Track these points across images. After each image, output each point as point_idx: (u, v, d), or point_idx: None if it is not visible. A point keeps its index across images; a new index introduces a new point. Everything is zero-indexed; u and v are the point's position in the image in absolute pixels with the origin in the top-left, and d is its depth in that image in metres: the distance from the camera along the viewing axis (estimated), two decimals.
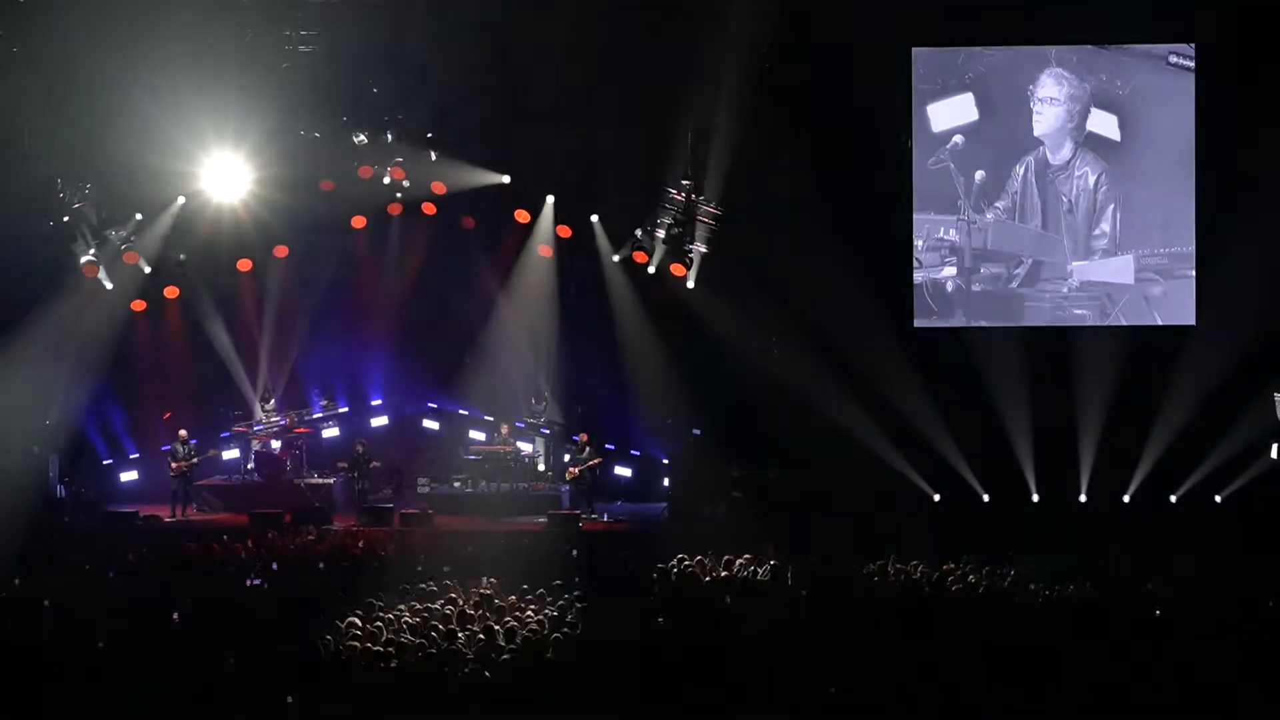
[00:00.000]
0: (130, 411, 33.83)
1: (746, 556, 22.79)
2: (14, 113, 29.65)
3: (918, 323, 30.83)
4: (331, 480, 32.35)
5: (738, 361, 31.05)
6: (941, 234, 30.84)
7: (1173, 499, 30.07)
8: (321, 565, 24.27)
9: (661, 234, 31.80)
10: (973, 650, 17.25)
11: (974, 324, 30.72)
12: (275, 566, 23.46)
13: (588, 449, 31.64)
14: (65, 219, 31.17)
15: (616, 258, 32.70)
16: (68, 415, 32.45)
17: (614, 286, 32.99)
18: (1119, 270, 30.56)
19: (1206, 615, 19.49)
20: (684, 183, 31.10)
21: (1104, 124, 30.38)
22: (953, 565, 22.04)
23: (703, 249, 31.66)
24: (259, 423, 33.58)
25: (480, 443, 33.78)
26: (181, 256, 32.93)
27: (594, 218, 32.82)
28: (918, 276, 30.87)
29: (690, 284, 31.98)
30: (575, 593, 20.23)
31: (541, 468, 33.62)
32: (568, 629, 17.90)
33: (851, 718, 15.47)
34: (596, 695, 15.67)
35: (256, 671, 16.74)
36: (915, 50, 30.59)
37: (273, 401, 33.73)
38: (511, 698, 15.57)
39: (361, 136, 31.20)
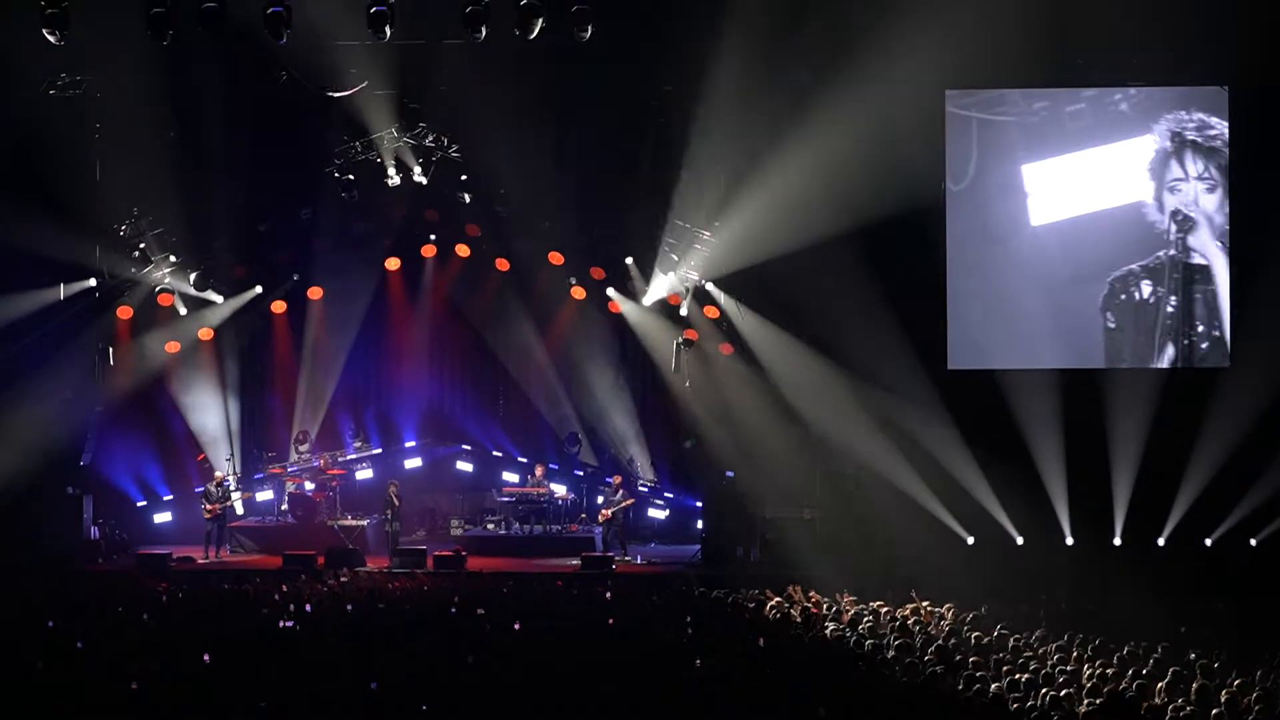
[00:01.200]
0: (164, 454, 33.88)
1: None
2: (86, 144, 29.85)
3: (951, 365, 30.71)
4: (365, 522, 32.37)
5: (771, 405, 30.98)
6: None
7: (1208, 542, 29.92)
8: (350, 607, 24.29)
9: (694, 275, 31.90)
10: None
11: (1008, 367, 30.58)
12: (309, 608, 23.47)
13: (620, 491, 31.69)
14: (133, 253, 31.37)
15: (648, 300, 32.78)
16: (102, 457, 32.54)
17: (645, 328, 33.06)
18: (1151, 313, 30.42)
19: (1243, 659, 19.42)
20: (714, 225, 31.12)
21: (1129, 163, 30.26)
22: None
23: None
24: (293, 464, 33.65)
25: (513, 484, 33.82)
26: (220, 299, 33.15)
27: (629, 260, 32.84)
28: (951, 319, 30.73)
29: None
30: None
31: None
32: None
33: None
34: None
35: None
36: (949, 92, 30.48)
37: (307, 444, 33.79)
38: None
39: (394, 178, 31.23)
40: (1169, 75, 29.95)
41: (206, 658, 20.30)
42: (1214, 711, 16.03)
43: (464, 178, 31.37)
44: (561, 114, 30.68)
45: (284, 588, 26.21)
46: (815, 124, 29.07)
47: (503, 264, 33.61)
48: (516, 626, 21.89)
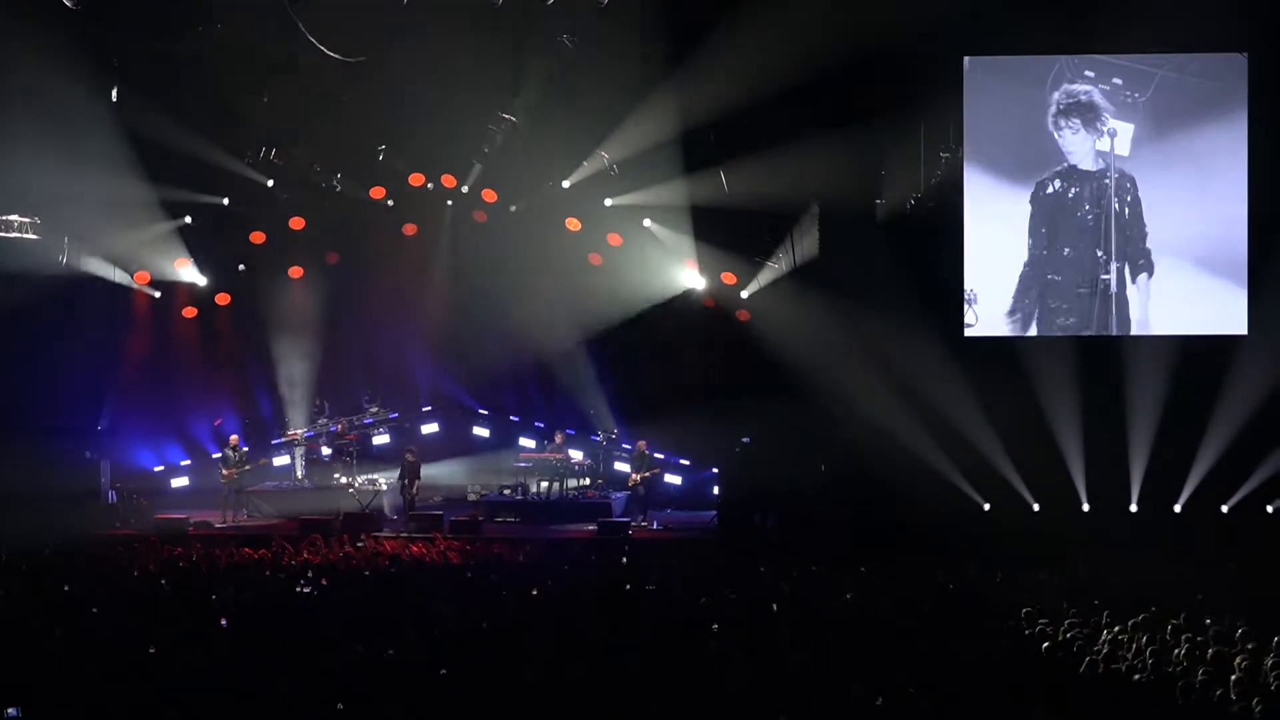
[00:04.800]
0: (181, 417, 33.97)
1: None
2: None
3: (969, 332, 30.65)
4: (382, 487, 32.39)
5: (789, 372, 30.92)
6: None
7: (1224, 509, 29.89)
8: (367, 573, 24.33)
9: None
10: None
11: (1024, 333, 30.52)
12: (324, 582, 23.47)
13: (645, 456, 31.71)
14: None
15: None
16: (119, 421, 32.65)
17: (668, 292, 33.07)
18: (1169, 279, 30.35)
19: (1255, 626, 19.37)
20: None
21: (1152, 133, 30.17)
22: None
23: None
24: (310, 429, 33.68)
25: (530, 450, 33.82)
26: (240, 266, 33.30)
27: (646, 222, 32.76)
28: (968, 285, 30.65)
29: (745, 294, 32.04)
30: None
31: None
32: None
33: None
34: None
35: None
36: (967, 59, 30.38)
37: (326, 410, 33.82)
38: None
39: None
40: (1187, 42, 29.80)
41: (224, 622, 20.39)
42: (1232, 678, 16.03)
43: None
44: None
45: (303, 554, 26.30)
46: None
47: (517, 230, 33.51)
48: (534, 593, 21.92)
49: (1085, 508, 30.23)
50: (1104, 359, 30.12)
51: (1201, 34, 29.56)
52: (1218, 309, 30.22)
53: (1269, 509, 29.67)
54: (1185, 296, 30.30)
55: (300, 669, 17.28)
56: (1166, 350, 29.93)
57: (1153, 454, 29.94)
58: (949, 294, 30.47)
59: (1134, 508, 30.10)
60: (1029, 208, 30.32)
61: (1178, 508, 30.02)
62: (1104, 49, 29.99)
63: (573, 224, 33.25)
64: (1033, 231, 30.38)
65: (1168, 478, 30.01)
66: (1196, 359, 29.89)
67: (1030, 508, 30.30)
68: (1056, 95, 30.21)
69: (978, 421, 30.11)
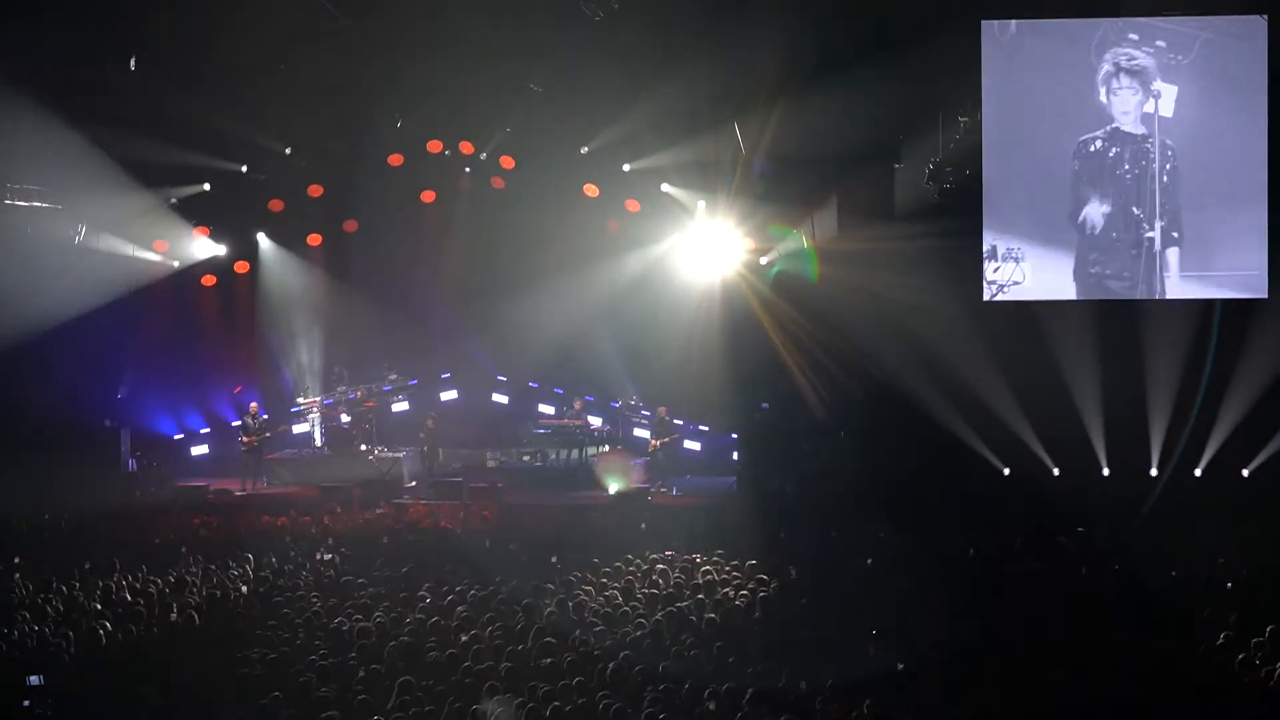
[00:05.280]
0: (201, 386, 34.02)
1: None
2: None
3: (987, 296, 30.59)
4: (401, 454, 32.43)
5: (809, 338, 30.86)
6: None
7: (1245, 473, 29.85)
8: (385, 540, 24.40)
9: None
10: None
11: (1044, 298, 30.45)
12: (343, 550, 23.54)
13: (665, 422, 31.71)
14: None
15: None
16: (139, 390, 32.70)
17: (685, 256, 32.97)
18: (1190, 244, 30.27)
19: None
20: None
21: (1171, 96, 30.07)
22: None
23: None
24: (329, 396, 33.69)
25: (549, 416, 33.83)
26: (260, 235, 33.41)
27: (664, 186, 32.66)
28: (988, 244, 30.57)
29: (764, 260, 31.95)
30: None
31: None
32: None
33: None
34: None
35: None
36: (984, 23, 30.28)
37: (344, 377, 33.80)
38: None
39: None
40: (1208, 4, 29.67)
41: (244, 589, 20.48)
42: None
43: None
44: None
45: (324, 519, 26.41)
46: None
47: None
48: (554, 560, 21.98)
49: (1105, 472, 30.21)
50: (1123, 323, 30.04)
51: None
52: (1238, 273, 30.14)
53: None
54: (1206, 260, 30.22)
55: (319, 635, 17.38)
56: (1187, 314, 29.86)
57: (1173, 418, 29.91)
58: (968, 258, 30.41)
59: (1154, 472, 30.07)
60: (1067, 169, 30.22)
61: (1198, 472, 29.98)
62: (1122, 11, 29.88)
63: (590, 190, 33.16)
64: (1071, 192, 30.29)
65: (1189, 442, 29.98)
66: (1217, 322, 29.82)
67: (1050, 472, 30.29)
68: (1105, 57, 30.11)
69: (997, 386, 30.09)
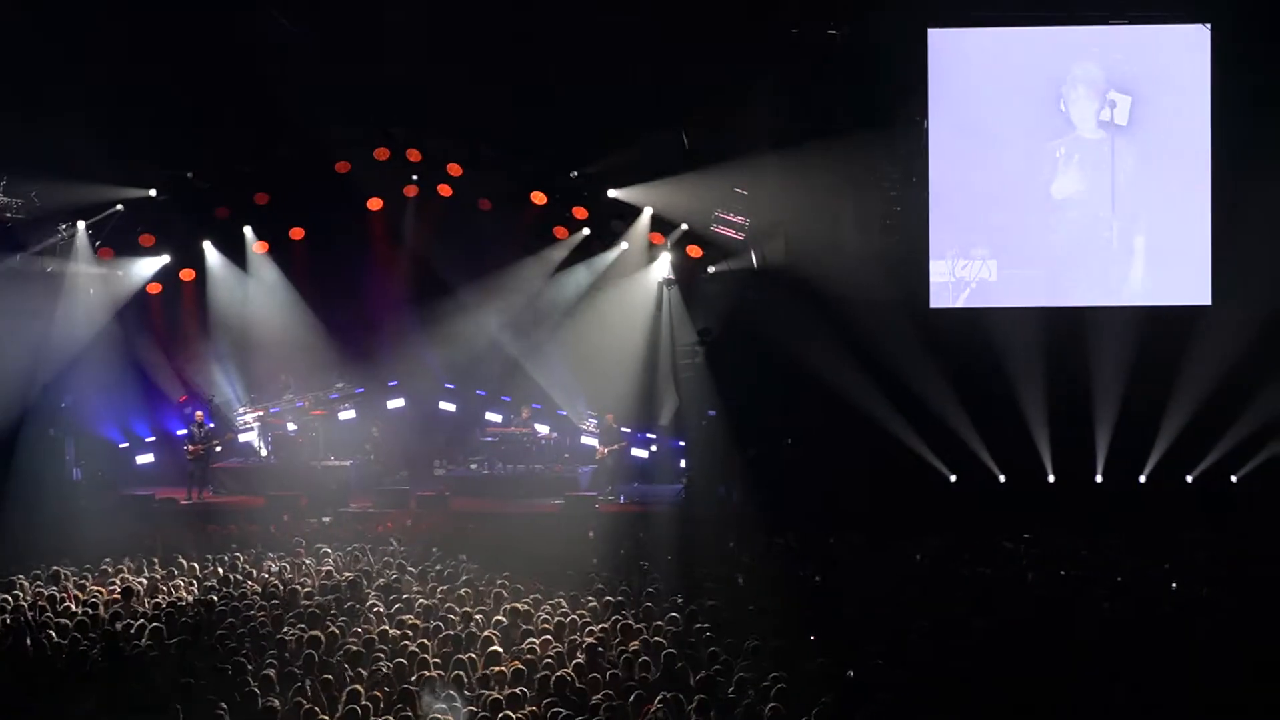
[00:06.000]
0: (146, 394, 33.82)
1: None
2: None
3: (933, 304, 30.74)
4: (348, 463, 32.32)
5: (756, 346, 30.89)
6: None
7: (1189, 479, 30.02)
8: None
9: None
10: None
11: (990, 305, 30.60)
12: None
13: (612, 429, 31.70)
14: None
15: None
16: (83, 398, 32.45)
17: (630, 269, 32.98)
18: (1134, 251, 30.48)
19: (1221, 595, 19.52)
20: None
21: (1118, 105, 30.27)
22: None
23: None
24: (275, 405, 33.53)
25: (497, 424, 33.77)
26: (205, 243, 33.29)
27: (612, 193, 32.67)
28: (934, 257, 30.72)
29: (711, 269, 32.03)
30: None
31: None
32: None
33: None
34: None
35: None
36: (931, 31, 30.45)
37: (291, 385, 33.65)
38: None
39: None
40: (1153, 12, 29.89)
41: (190, 599, 20.38)
42: None
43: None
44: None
45: (271, 528, 26.36)
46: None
47: (485, 203, 33.31)
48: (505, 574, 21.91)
49: (1050, 479, 30.35)
50: (1070, 330, 30.23)
51: (1166, 5, 29.73)
52: (1181, 280, 30.37)
53: (1233, 479, 29.80)
54: (1150, 267, 30.46)
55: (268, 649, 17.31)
56: (1131, 321, 30.04)
57: (1118, 425, 30.09)
58: (914, 266, 30.58)
59: (1099, 478, 30.22)
60: (1016, 177, 30.42)
61: (1143, 478, 30.15)
62: (1069, 20, 30.08)
63: (538, 197, 33.12)
64: (1020, 200, 30.50)
65: (1133, 448, 30.15)
66: (1161, 329, 30.00)
67: (996, 479, 30.42)
68: (1057, 65, 30.30)
69: (943, 394, 30.22)
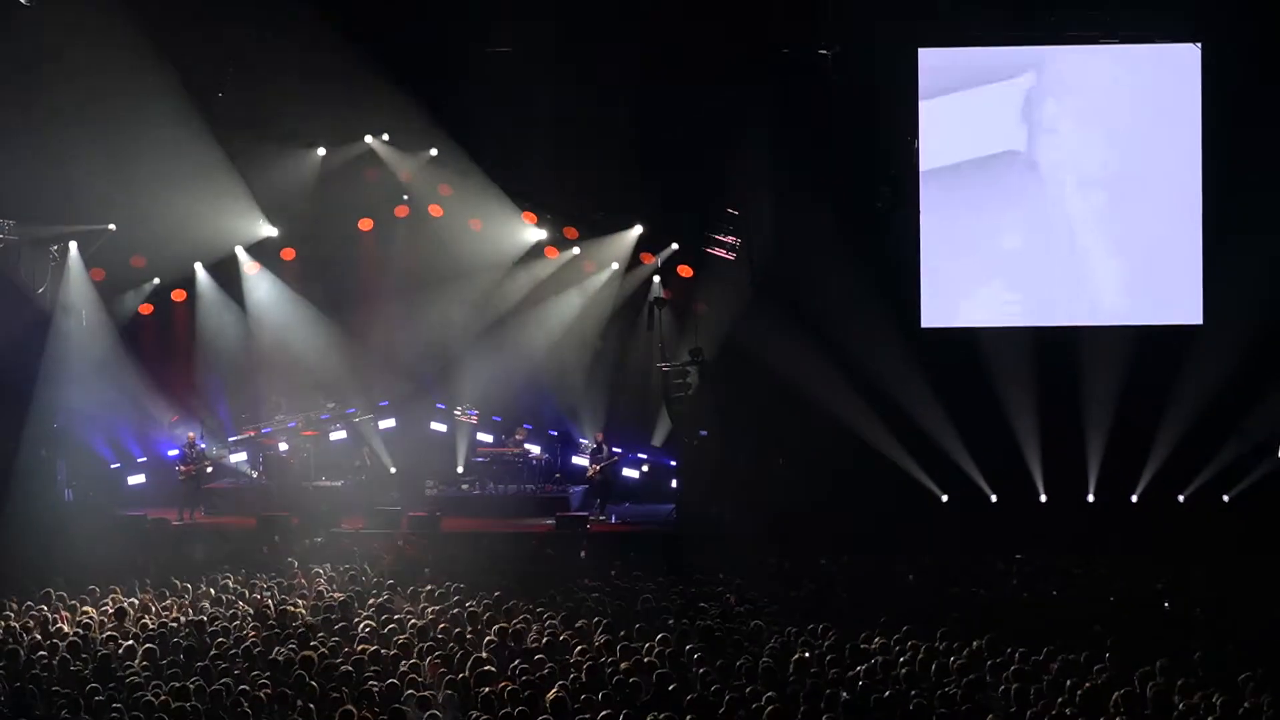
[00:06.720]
0: (138, 414, 33.74)
1: None
2: None
3: (925, 323, 30.75)
4: (339, 483, 32.27)
5: (748, 366, 30.86)
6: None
7: (1180, 498, 30.02)
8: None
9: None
10: None
11: (982, 324, 30.61)
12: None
13: (604, 448, 31.69)
14: None
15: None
16: (75, 419, 32.37)
17: (615, 285, 33.02)
18: (1126, 270, 30.50)
19: (1214, 615, 19.52)
20: None
21: (1105, 122, 30.32)
22: None
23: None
24: (267, 426, 33.50)
25: (488, 444, 33.74)
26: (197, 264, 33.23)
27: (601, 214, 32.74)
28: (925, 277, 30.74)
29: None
30: None
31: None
32: None
33: None
34: None
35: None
36: (922, 51, 30.47)
37: (283, 406, 33.61)
38: None
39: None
40: (1143, 32, 29.92)
41: (183, 619, 20.35)
42: None
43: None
44: None
45: (263, 549, 26.35)
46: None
47: (475, 224, 33.28)
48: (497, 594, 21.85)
49: (1043, 499, 30.36)
50: (1060, 349, 30.24)
51: (1156, 25, 29.74)
52: (1173, 299, 30.39)
53: (1225, 498, 29.80)
54: (1141, 287, 30.48)
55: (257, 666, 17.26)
56: (1122, 340, 30.04)
57: (1109, 444, 30.09)
58: (905, 285, 30.59)
59: (1091, 498, 30.22)
60: (990, 197, 30.45)
61: (1135, 497, 30.15)
62: (1061, 39, 30.10)
63: (529, 217, 33.14)
64: (993, 220, 30.53)
65: (1125, 467, 30.14)
66: (1152, 349, 30.01)
67: (988, 499, 30.42)
68: (1018, 85, 30.33)
69: (935, 413, 30.22)
